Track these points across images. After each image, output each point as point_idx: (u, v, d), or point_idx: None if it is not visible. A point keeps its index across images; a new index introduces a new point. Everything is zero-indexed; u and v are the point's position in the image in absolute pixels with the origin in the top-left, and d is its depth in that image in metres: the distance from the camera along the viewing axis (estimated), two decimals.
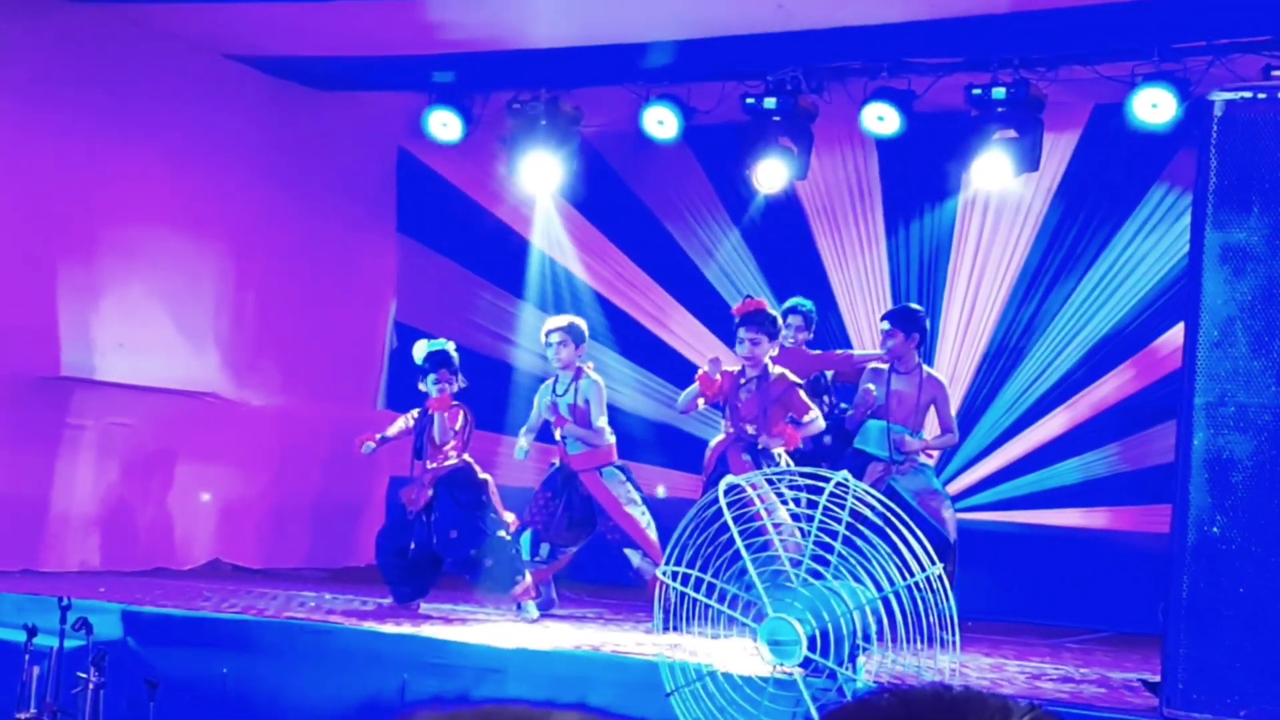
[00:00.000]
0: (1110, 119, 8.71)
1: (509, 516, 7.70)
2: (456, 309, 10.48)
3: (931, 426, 7.72)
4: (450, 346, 7.79)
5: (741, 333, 7.20)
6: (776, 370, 7.25)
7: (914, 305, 8.01)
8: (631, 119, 9.35)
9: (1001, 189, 8.91)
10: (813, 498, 5.02)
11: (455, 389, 7.68)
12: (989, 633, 7.90)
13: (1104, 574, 8.78)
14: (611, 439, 7.79)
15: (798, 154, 9.09)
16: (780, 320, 7.50)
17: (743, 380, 7.23)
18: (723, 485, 4.92)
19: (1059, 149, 8.92)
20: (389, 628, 7.02)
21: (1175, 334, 8.63)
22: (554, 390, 7.83)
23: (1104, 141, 8.89)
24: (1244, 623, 4.89)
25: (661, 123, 9.25)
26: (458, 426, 7.68)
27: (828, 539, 4.90)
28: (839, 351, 8.44)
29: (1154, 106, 8.19)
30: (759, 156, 9.11)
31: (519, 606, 7.60)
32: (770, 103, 8.95)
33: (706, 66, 9.06)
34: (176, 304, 9.31)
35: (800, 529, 4.99)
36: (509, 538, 7.56)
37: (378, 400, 10.61)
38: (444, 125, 9.74)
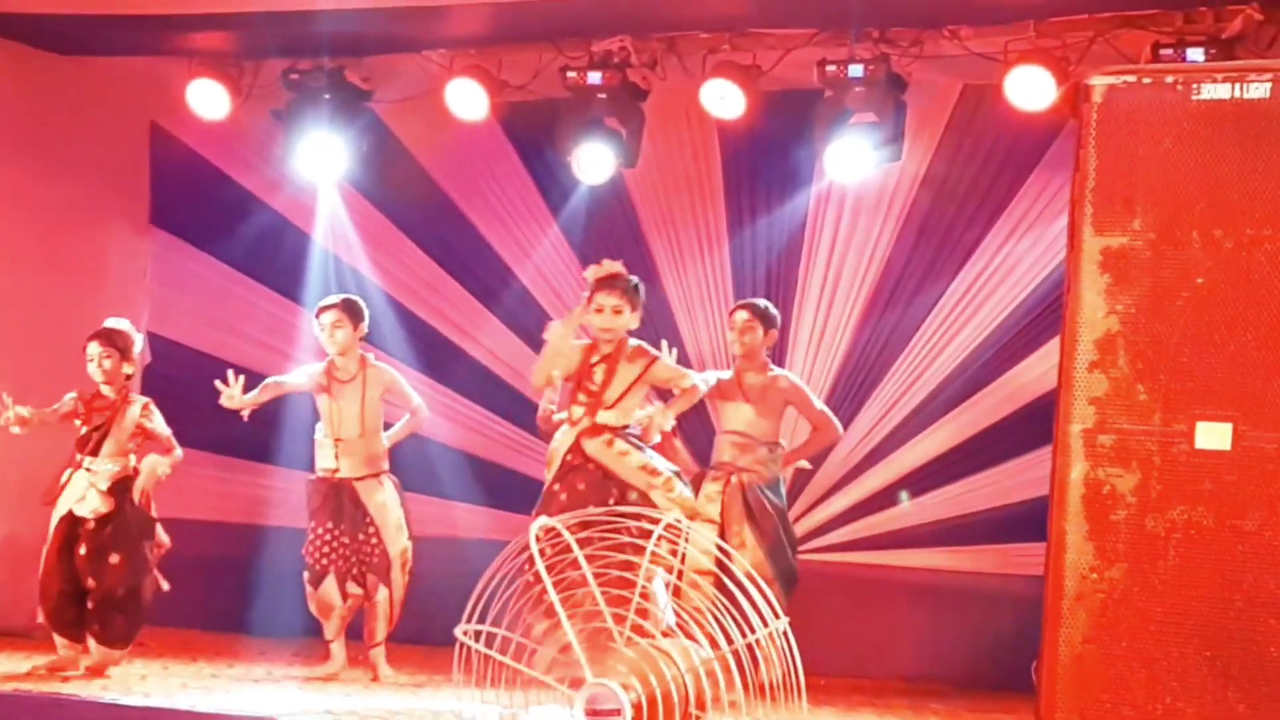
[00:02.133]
0: (981, 101, 8.90)
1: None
2: (222, 316, 10.29)
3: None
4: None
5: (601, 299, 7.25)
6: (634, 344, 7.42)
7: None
8: (432, 93, 9.26)
9: (860, 180, 9.03)
10: (638, 542, 5.02)
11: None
12: (844, 691, 8.02)
13: (970, 622, 8.95)
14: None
15: (626, 138, 9.11)
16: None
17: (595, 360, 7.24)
18: (534, 528, 4.89)
19: (924, 135, 9.07)
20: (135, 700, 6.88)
21: (1055, 347, 8.87)
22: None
23: (974, 127, 9.05)
24: (1127, 681, 5.02)
25: (467, 98, 9.19)
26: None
27: (652, 590, 4.90)
28: None
29: (1029, 88, 8.38)
30: (581, 140, 9.11)
31: None
32: (594, 77, 8.95)
33: (520, 32, 9.04)
34: None
35: (626, 578, 4.99)
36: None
37: None
38: (207, 98, 9.55)
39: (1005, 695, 8.28)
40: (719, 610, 4.83)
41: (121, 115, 10.21)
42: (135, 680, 7.64)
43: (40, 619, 8.03)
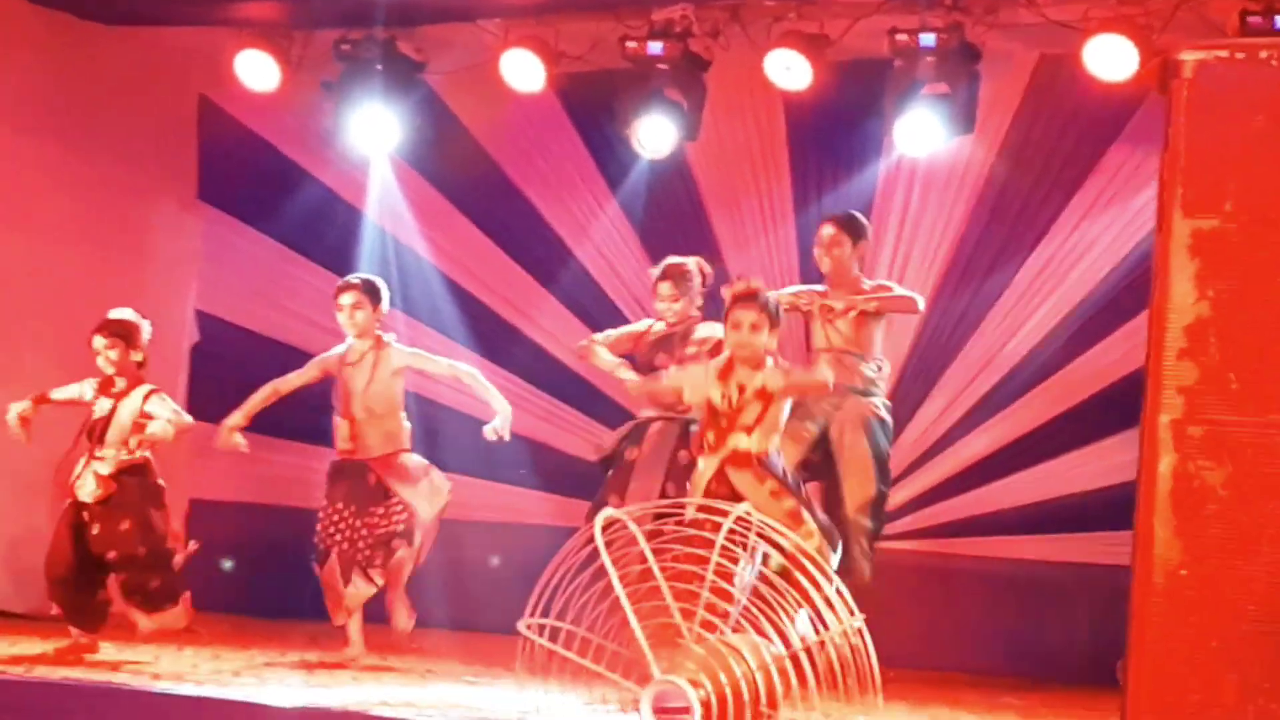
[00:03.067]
0: (1058, 71, 8.81)
1: None
2: (272, 294, 10.33)
3: None
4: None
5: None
6: None
7: None
8: (487, 64, 9.25)
9: (931, 154, 8.97)
10: (706, 535, 5.00)
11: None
12: (913, 684, 7.98)
13: (1043, 612, 8.90)
14: None
15: (688, 110, 9.08)
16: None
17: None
18: (599, 520, 4.88)
19: (999, 107, 9.00)
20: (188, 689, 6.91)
21: (1139, 325, 8.79)
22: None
23: (1051, 98, 8.97)
24: (1218, 682, 4.97)
25: (523, 69, 9.17)
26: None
27: (724, 584, 4.89)
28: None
29: (1110, 58, 8.29)
30: (641, 112, 9.09)
31: None
32: (655, 47, 8.93)
33: (577, 1, 9.02)
34: None
35: (695, 572, 4.97)
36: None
37: None
38: (256, 69, 9.57)
39: (1080, 689, 8.25)
40: (792, 606, 4.81)
41: (169, 88, 10.27)
42: (187, 668, 7.67)
43: (54, 610, 8.10)
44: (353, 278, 8.34)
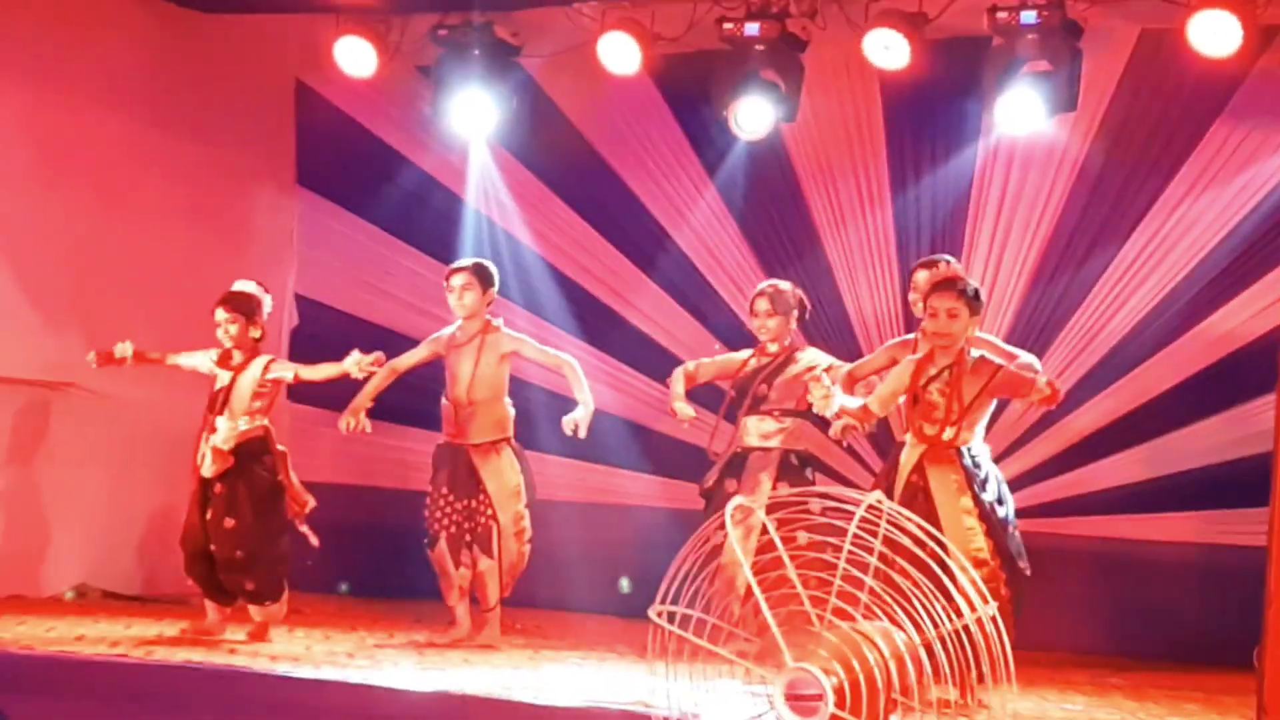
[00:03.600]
0: (1160, 47, 8.72)
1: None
2: (370, 278, 10.39)
3: None
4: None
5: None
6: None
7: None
8: (583, 48, 9.25)
9: (1031, 132, 8.90)
10: (835, 522, 4.98)
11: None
12: (1020, 664, 7.93)
13: (1155, 593, 8.86)
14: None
15: (785, 91, 9.04)
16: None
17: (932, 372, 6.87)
18: (729, 508, 4.89)
19: (1099, 83, 8.91)
20: (307, 671, 6.97)
21: (1243, 302, 8.74)
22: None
23: (1153, 74, 8.88)
24: None
25: (620, 52, 9.16)
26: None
27: (856, 572, 4.87)
28: None
29: (1214, 32, 8.19)
30: (738, 94, 9.05)
31: None
32: (752, 28, 8.88)
33: None
34: (27, 273, 9.14)
35: (824, 559, 4.96)
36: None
37: None
38: (354, 55, 9.61)
39: (1188, 670, 8.21)
40: (924, 594, 4.79)
41: (267, 74, 10.36)
42: (301, 650, 7.74)
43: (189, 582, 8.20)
44: (465, 261, 8.37)
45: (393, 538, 9.59)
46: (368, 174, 10.35)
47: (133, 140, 9.62)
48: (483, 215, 10.14)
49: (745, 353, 8.07)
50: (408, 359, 8.32)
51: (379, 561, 9.73)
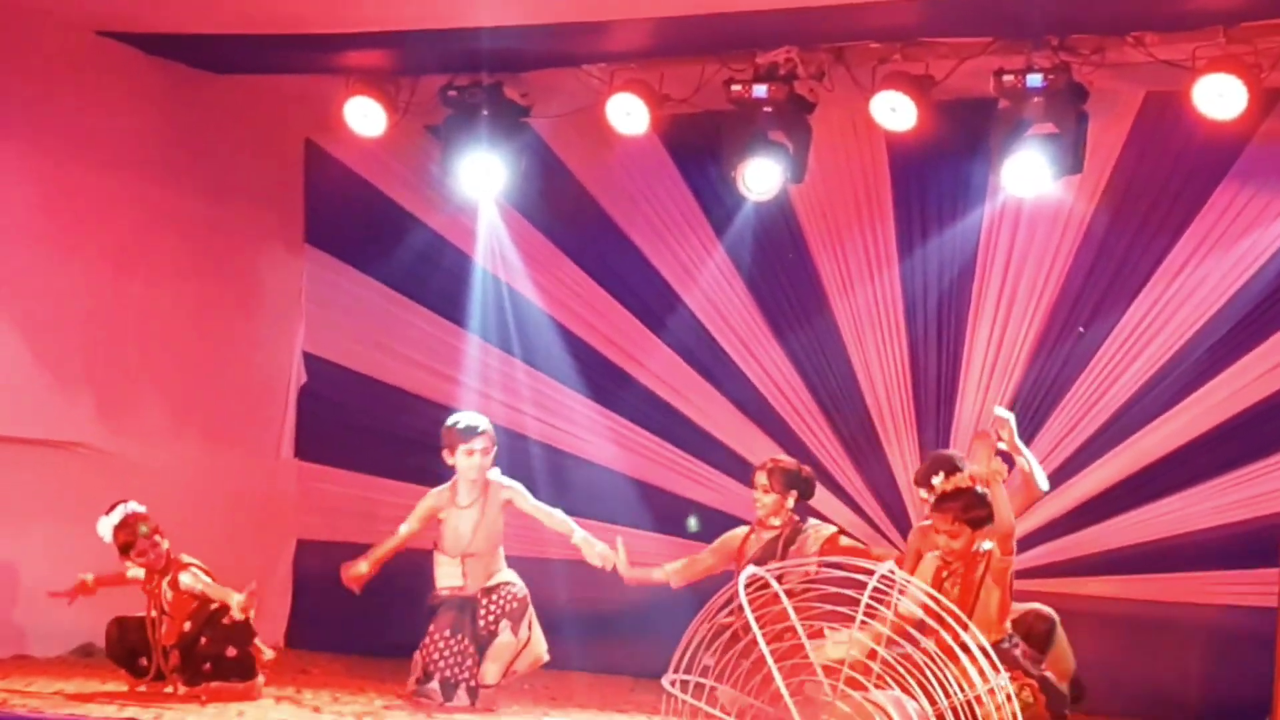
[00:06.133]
0: (1165, 109, 8.70)
1: None
2: (378, 337, 10.35)
3: None
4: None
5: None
6: None
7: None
8: (592, 108, 9.24)
9: (1038, 194, 8.87)
10: (846, 592, 4.94)
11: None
12: None
13: (1161, 654, 8.78)
14: None
15: (793, 152, 9.02)
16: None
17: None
18: (743, 578, 4.84)
19: (1104, 145, 8.90)
20: None
21: (1247, 364, 8.68)
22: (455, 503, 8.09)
23: (1158, 136, 8.86)
24: None
25: (628, 113, 9.14)
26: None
27: (870, 641, 4.82)
28: None
29: (1219, 96, 8.16)
30: (746, 155, 9.04)
31: None
32: (760, 89, 8.87)
33: (682, 44, 8.97)
34: (38, 331, 9.12)
35: (833, 628, 4.92)
36: None
37: (282, 447, 10.46)
38: (364, 115, 9.60)
39: None
40: (936, 665, 4.74)
41: (277, 134, 10.37)
42: (308, 713, 7.65)
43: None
44: (482, 420, 8.18)
45: (399, 595, 9.53)
46: (377, 233, 10.35)
47: (143, 199, 9.63)
48: (491, 274, 10.13)
49: (741, 530, 8.00)
50: (412, 523, 8.26)
51: (386, 620, 9.63)
